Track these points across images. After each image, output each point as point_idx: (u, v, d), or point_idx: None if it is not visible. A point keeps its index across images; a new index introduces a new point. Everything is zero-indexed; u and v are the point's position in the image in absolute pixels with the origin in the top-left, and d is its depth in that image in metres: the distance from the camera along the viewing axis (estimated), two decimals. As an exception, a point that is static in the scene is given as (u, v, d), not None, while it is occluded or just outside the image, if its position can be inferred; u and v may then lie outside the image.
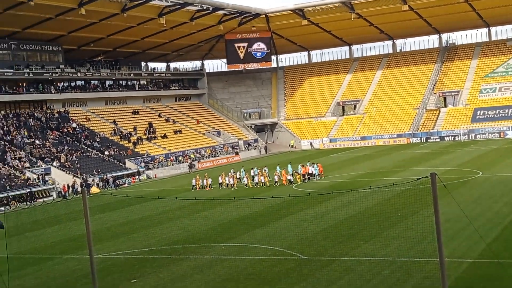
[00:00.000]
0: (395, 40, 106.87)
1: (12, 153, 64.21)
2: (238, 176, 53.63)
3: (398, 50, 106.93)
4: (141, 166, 70.85)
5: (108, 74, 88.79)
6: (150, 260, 27.35)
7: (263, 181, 51.05)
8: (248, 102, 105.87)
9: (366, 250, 25.34)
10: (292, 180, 50.61)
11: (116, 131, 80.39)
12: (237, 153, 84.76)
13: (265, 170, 52.62)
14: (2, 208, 51.48)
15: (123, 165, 70.40)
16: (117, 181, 64.60)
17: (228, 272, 23.94)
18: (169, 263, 26.48)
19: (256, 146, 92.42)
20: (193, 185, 53.73)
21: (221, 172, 55.83)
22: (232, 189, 51.14)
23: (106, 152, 71.98)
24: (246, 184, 51.88)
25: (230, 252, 27.61)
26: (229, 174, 53.25)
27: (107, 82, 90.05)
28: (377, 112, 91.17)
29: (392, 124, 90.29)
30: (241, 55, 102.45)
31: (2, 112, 73.70)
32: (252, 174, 53.36)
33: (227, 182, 52.40)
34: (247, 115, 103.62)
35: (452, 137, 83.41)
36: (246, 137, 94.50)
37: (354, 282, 21.21)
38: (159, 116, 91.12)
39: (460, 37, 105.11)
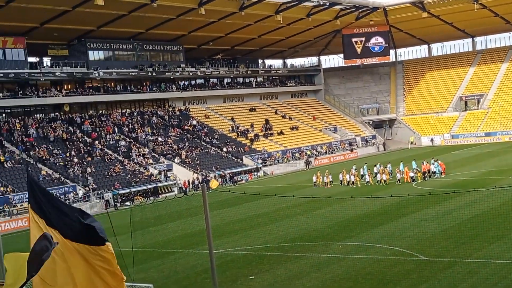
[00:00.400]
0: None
1: (136, 149, 67.11)
2: (361, 173, 52.71)
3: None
4: (258, 163, 71.75)
5: (226, 72, 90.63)
6: (267, 257, 27.59)
7: (384, 178, 49.90)
8: (365, 98, 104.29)
9: (491, 252, 24.19)
10: (414, 177, 49.29)
11: (234, 128, 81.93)
12: (352, 150, 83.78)
13: (388, 167, 51.56)
14: (128, 203, 53.92)
15: (240, 161, 71.62)
16: (234, 178, 65.79)
17: (345, 271, 23.69)
18: (286, 260, 26.58)
19: (374, 143, 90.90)
20: (314, 182, 53.49)
21: (340, 169, 55.37)
22: (353, 186, 50.36)
23: (224, 149, 73.54)
24: (367, 182, 50.94)
25: (348, 251, 27.30)
26: (351, 171, 52.40)
27: (225, 80, 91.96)
28: (503, 107, 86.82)
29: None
30: (358, 50, 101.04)
31: (128, 110, 77.26)
32: (375, 171, 52.23)
33: (348, 179, 51.63)
34: (365, 111, 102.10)
35: None
36: (364, 134, 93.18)
37: (478, 285, 20.32)
38: (276, 112, 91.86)
39: None
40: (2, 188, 51.37)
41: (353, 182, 50.95)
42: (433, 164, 51.37)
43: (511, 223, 28.78)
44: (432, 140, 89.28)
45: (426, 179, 49.38)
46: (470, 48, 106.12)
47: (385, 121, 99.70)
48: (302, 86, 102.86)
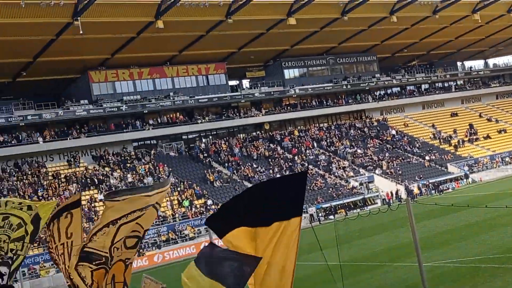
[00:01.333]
0: None
1: (336, 163, 67.49)
2: None
3: None
4: (464, 170, 68.41)
5: (424, 78, 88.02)
6: (481, 269, 25.98)
7: None
8: None
9: None
10: None
11: (436, 135, 79.12)
12: None
13: None
14: (332, 217, 54.28)
15: (445, 169, 68.85)
16: (440, 186, 63.34)
17: None
18: (503, 272, 24.81)
19: None
20: None
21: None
22: None
23: (427, 157, 71.23)
24: None
25: None
26: None
27: (423, 86, 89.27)
28: None
29: None
30: None
31: (325, 124, 78.12)
32: None
33: None
34: None
35: None
36: None
37: None
38: (480, 116, 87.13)
39: None
40: (213, 206, 54.49)
41: None
42: None
43: None
44: None
45: None
46: None
47: None
48: (508, 86, 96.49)
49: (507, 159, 72.68)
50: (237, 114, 70.66)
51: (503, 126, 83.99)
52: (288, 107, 75.77)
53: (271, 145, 70.09)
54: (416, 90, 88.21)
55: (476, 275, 25.05)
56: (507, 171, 69.53)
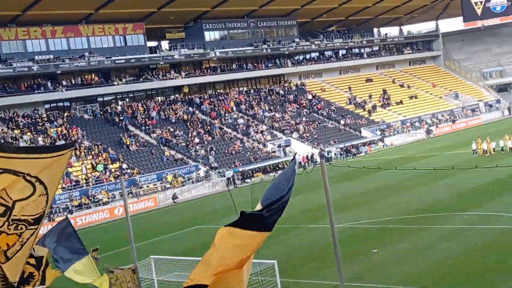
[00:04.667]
0: None
1: (254, 127, 68.13)
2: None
3: None
4: (377, 134, 70.66)
5: (341, 44, 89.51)
6: (390, 230, 27.28)
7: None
8: (488, 61, 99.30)
9: None
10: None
11: (351, 100, 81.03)
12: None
13: None
14: (248, 180, 54.99)
15: (359, 133, 70.86)
16: (353, 150, 65.23)
17: (472, 242, 23.00)
18: (409, 232, 26.18)
19: (498, 107, 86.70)
20: (474, 149, 48.87)
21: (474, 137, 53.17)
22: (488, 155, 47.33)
23: (342, 122, 73.00)
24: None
25: (473, 222, 26.44)
26: (486, 139, 49.17)
27: (341, 52, 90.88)
28: None
29: None
30: (479, 11, 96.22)
31: (245, 88, 78.42)
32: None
33: (485, 147, 48.41)
34: (487, 74, 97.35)
35: None
36: (487, 98, 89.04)
37: None
38: (393, 82, 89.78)
39: None
40: (129, 170, 53.99)
41: (487, 150, 47.90)
42: None
43: None
44: None
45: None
46: None
47: (510, 84, 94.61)
48: (420, 53, 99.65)
49: (417, 124, 75.53)
50: (156, 76, 69.74)
51: (414, 92, 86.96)
52: (208, 70, 75.45)
53: (190, 108, 69.82)
54: (334, 55, 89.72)
55: (384, 236, 26.28)
56: (417, 135, 72.38)
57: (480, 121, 79.06)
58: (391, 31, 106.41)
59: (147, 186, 52.44)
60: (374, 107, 79.33)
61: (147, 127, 62.89)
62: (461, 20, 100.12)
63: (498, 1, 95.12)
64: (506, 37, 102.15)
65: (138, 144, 59.09)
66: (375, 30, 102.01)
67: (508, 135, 48.72)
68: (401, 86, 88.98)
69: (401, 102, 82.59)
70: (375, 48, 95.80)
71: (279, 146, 63.60)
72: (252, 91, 77.93)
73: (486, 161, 43.17)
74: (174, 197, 51.15)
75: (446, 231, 25.45)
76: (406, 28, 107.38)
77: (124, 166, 54.70)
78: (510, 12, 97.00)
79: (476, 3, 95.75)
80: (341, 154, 64.51)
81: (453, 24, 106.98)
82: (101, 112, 64.66)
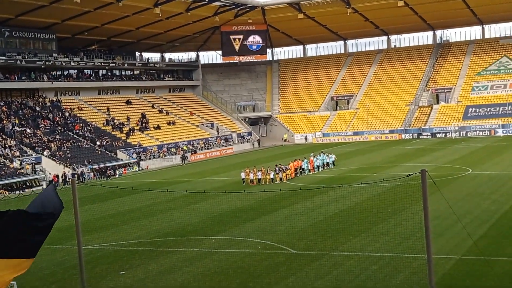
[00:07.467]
0: (389, 36, 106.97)
1: (2, 141, 63.90)
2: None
3: (392, 46, 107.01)
4: (133, 157, 70.67)
5: (102, 64, 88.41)
6: (139, 252, 27.27)
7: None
8: (242, 95, 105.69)
9: (355, 245, 25.35)
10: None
11: (109, 121, 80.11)
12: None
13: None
14: (-8, 196, 51.25)
15: (114, 155, 70.19)
16: (108, 172, 64.40)
17: (217, 265, 23.89)
18: (158, 255, 26.42)
19: (249, 139, 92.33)
20: (243, 179, 48.59)
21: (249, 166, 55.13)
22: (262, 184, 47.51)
23: (98, 142, 71.76)
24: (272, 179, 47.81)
25: (220, 245, 27.56)
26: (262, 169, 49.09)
27: (101, 72, 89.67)
28: (370, 108, 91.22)
29: (384, 120, 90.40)
30: (237, 48, 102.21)
31: (-6, 99, 73.33)
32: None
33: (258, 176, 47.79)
34: (241, 107, 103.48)
35: (444, 134, 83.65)
36: (240, 130, 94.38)
37: (342, 277, 21.21)
38: (153, 107, 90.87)
39: (454, 34, 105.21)
40: None
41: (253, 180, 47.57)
42: (304, 160, 52.92)
43: (373, 218, 30.31)
44: (306, 137, 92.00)
45: (298, 175, 50.82)
46: (342, 51, 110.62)
47: (261, 118, 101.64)
48: (180, 81, 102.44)
49: (173, 149, 77.17)
50: None
51: (173, 119, 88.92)
52: (-47, 77, 69.24)
53: None
54: (93, 74, 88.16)
55: (133, 258, 26.19)
56: (172, 161, 73.92)
57: (232, 151, 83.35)
58: (153, 57, 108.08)
59: None
60: (132, 130, 79.34)
61: None
62: (220, 54, 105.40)
63: (254, 40, 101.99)
64: (259, 74, 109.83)
65: None
66: (137, 54, 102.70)
67: (263, 167, 50.32)
68: (160, 111, 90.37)
69: (159, 127, 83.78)
70: (136, 72, 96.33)
71: (28, 163, 60.35)
72: (1, 103, 73.13)
73: (253, 188, 45.48)
74: None
75: (194, 254, 26.18)
76: (168, 55, 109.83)
77: None
78: (264, 52, 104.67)
79: (234, 39, 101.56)
80: (95, 175, 63.25)
81: (213, 56, 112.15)
82: None
